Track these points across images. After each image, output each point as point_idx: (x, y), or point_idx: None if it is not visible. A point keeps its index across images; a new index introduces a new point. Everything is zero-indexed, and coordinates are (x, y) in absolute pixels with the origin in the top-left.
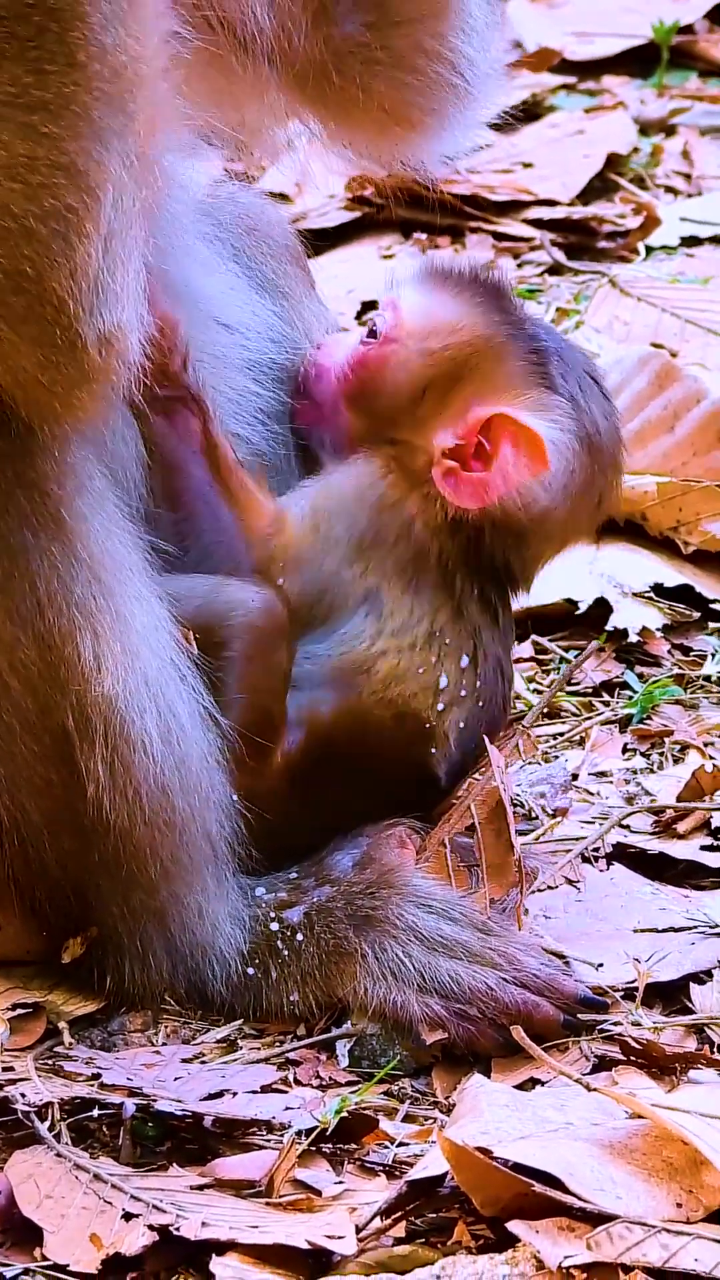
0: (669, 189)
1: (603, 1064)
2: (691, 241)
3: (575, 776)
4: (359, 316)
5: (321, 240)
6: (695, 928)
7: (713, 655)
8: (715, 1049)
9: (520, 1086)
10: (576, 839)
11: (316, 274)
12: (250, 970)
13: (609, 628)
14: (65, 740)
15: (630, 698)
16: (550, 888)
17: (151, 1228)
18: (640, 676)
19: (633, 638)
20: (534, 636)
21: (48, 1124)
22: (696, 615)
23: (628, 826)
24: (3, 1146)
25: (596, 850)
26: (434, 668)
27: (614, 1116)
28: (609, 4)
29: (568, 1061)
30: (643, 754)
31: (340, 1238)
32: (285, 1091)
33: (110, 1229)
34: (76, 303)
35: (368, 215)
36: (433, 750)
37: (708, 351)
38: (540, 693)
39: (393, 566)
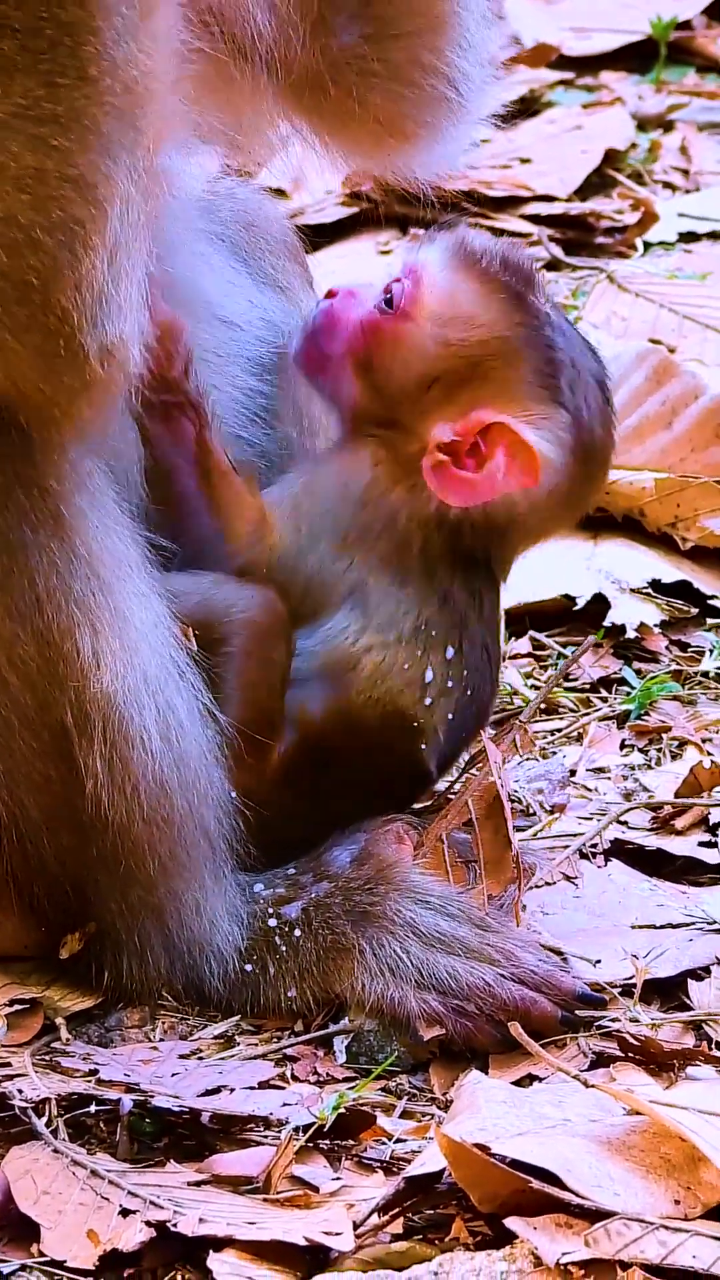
0: (667, 185)
1: (600, 1060)
2: (689, 237)
3: (573, 772)
4: None
5: (319, 236)
6: (693, 924)
7: (711, 651)
8: (713, 1045)
9: (518, 1083)
10: (574, 835)
11: (314, 270)
12: (248, 966)
13: (607, 623)
14: (64, 736)
15: (628, 694)
16: (548, 884)
17: (149, 1224)
18: (638, 672)
19: (630, 634)
20: (531, 632)
21: (45, 1120)
22: (694, 611)
23: (625, 823)
24: (0, 1142)
25: (594, 846)
26: (419, 661)
27: (612, 1113)
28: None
29: (565, 1058)
30: (641, 750)
31: (338, 1234)
32: (283, 1088)
33: (107, 1225)
34: (80, 314)
35: (365, 211)
36: (422, 746)
37: (705, 347)
38: (538, 688)
39: (378, 560)
